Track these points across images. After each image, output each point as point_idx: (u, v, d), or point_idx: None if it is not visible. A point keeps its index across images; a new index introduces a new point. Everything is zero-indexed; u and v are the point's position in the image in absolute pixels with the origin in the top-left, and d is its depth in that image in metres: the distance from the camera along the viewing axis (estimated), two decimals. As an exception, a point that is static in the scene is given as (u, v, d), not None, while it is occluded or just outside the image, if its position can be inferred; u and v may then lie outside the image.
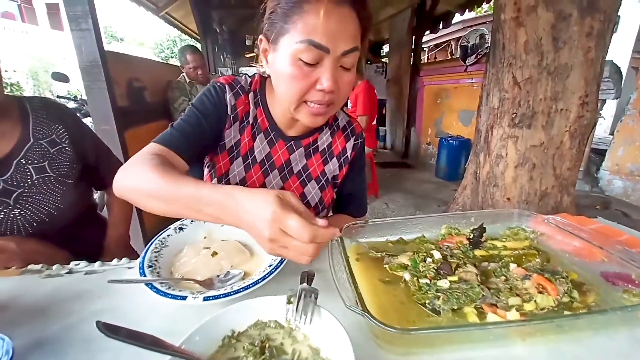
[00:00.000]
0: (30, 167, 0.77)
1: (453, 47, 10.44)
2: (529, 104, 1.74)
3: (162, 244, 0.59)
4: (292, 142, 0.78)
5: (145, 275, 0.50)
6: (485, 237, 0.62)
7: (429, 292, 0.47)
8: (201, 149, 0.72)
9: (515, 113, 1.76)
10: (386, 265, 0.54)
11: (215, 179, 0.77)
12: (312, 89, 0.60)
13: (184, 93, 2.80)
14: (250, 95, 0.75)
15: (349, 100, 3.32)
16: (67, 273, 0.64)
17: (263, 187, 0.76)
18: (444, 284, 0.47)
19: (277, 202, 0.41)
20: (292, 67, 0.58)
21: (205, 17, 4.65)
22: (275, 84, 0.66)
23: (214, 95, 0.72)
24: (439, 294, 0.45)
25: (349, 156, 0.84)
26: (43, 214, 0.78)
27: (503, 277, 0.51)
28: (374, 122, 3.27)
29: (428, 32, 4.97)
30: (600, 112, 3.41)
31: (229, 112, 0.72)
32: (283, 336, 0.39)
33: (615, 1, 1.60)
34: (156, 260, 0.55)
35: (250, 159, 0.77)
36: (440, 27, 4.82)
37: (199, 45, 4.97)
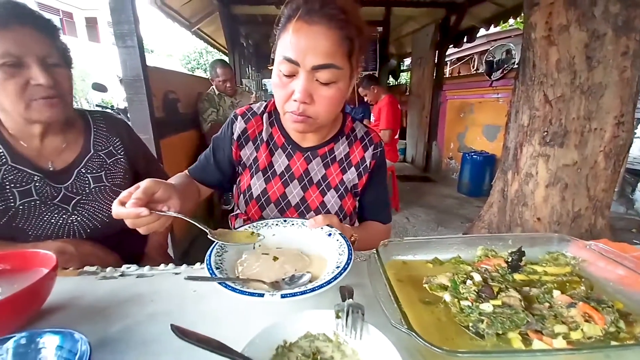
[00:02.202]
0: (89, 176, 0.84)
1: (476, 61, 10.33)
2: (561, 123, 1.71)
3: (222, 249, 0.62)
4: (308, 153, 0.84)
5: (215, 276, 0.53)
6: (524, 261, 0.62)
7: (471, 314, 0.47)
8: (213, 179, 0.90)
9: (547, 131, 1.72)
10: (426, 285, 0.55)
11: (241, 194, 0.86)
12: (290, 98, 0.68)
13: (212, 105, 2.92)
14: (265, 116, 0.86)
15: (372, 114, 3.35)
16: (120, 276, 0.69)
17: (284, 197, 0.84)
18: (487, 307, 0.47)
19: None
20: (276, 77, 0.69)
21: (234, 32, 4.86)
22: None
23: (225, 128, 0.87)
24: (483, 317, 0.46)
25: (368, 165, 0.87)
26: (97, 221, 0.84)
27: (547, 304, 0.51)
28: (397, 136, 3.27)
29: (451, 46, 4.97)
30: (636, 131, 3.27)
31: (236, 138, 0.84)
32: (332, 349, 0.41)
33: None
34: (221, 263, 0.58)
35: (269, 172, 0.84)
36: (465, 41, 4.81)
37: (226, 58, 5.20)
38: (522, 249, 0.63)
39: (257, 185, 0.84)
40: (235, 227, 0.88)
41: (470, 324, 0.46)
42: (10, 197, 0.76)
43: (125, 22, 1.63)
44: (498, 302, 0.48)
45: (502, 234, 0.99)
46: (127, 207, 0.53)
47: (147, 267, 0.71)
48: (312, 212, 0.84)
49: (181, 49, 20.44)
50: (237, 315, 0.55)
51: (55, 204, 0.80)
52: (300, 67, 0.64)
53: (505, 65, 3.54)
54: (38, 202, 0.78)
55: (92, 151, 0.86)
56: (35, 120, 0.75)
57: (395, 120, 3.04)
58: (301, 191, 0.84)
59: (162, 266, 0.72)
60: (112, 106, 4.38)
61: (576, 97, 1.67)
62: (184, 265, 0.72)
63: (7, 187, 0.75)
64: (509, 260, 0.61)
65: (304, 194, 0.84)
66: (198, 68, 19.80)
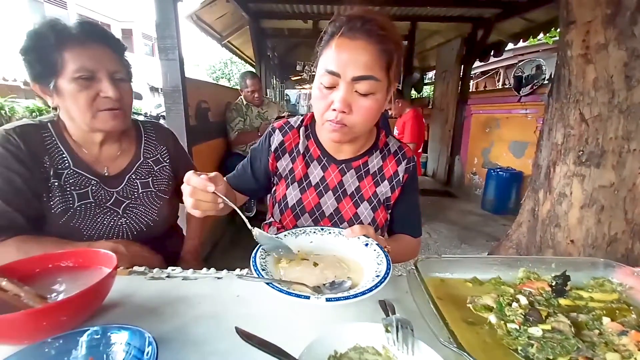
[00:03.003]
0: (138, 182, 0.90)
1: (502, 75, 10.14)
2: (597, 142, 1.65)
3: (265, 252, 0.65)
4: (343, 165, 0.87)
5: (262, 277, 0.55)
6: (569, 285, 0.61)
7: (519, 338, 0.47)
8: (248, 189, 0.93)
9: (582, 151, 1.67)
10: (469, 305, 0.55)
11: (276, 203, 0.89)
12: (329, 108, 0.71)
13: (240, 114, 3.02)
14: (301, 129, 0.89)
15: (395, 128, 3.35)
16: (166, 277, 0.72)
17: (318, 208, 0.87)
18: (535, 331, 0.47)
19: None
20: (317, 89, 0.73)
21: (261, 44, 5.03)
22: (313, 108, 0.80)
23: (263, 140, 0.92)
24: (532, 341, 0.46)
25: (401, 179, 0.89)
26: (142, 224, 0.89)
27: (596, 331, 0.50)
28: (420, 150, 3.25)
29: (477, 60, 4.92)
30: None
31: (273, 150, 0.88)
32: (382, 363, 0.42)
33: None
34: (265, 265, 0.60)
35: (305, 183, 0.87)
36: (491, 55, 4.76)
37: (252, 69, 5.39)
38: (567, 273, 0.62)
39: (292, 195, 0.87)
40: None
41: (520, 348, 0.45)
42: (70, 199, 0.82)
43: (168, 37, 1.75)
44: (548, 327, 0.48)
45: (545, 256, 0.97)
46: (199, 178, 0.61)
47: (190, 271, 0.75)
48: (346, 222, 0.86)
49: (207, 59, 21.28)
50: (277, 320, 0.58)
51: (107, 206, 0.86)
52: (341, 79, 0.68)
53: (535, 81, 3.46)
54: (93, 204, 0.84)
55: (142, 159, 0.92)
56: (99, 129, 0.81)
57: (419, 134, 3.03)
58: (335, 202, 0.87)
59: (204, 270, 0.76)
60: (146, 113, 4.61)
61: (614, 116, 1.61)
62: (225, 271, 0.75)
63: (68, 189, 0.82)
64: (553, 284, 0.61)
65: (338, 205, 0.87)
66: (222, 77, 20.52)
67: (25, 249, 0.74)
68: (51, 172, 0.80)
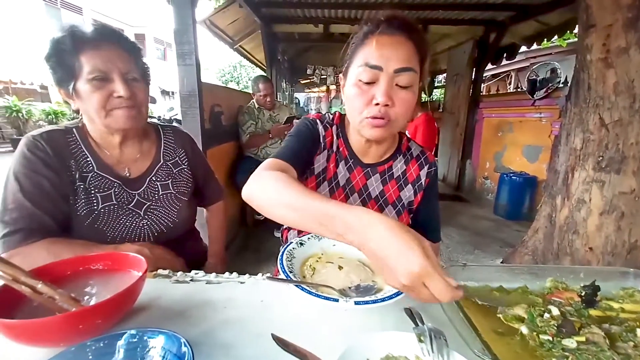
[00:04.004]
0: (158, 184, 0.92)
1: (513, 78, 10.01)
2: (618, 148, 1.62)
3: (291, 254, 0.65)
4: (368, 169, 0.88)
5: (290, 279, 0.55)
6: (599, 296, 0.60)
7: (553, 349, 0.46)
8: (307, 158, 0.84)
9: (602, 156, 1.64)
10: (500, 315, 0.54)
11: None
12: (370, 104, 0.72)
13: (252, 117, 3.05)
14: (334, 128, 0.88)
15: (407, 132, 3.34)
16: (190, 280, 0.73)
17: None
18: (569, 343, 0.46)
19: (424, 256, 0.40)
20: (354, 87, 0.73)
21: (272, 48, 5.08)
22: (346, 109, 0.79)
23: (310, 126, 0.86)
24: (566, 353, 0.45)
25: (423, 183, 0.89)
26: (163, 226, 0.91)
27: (631, 343, 0.49)
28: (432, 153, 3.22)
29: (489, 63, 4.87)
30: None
31: (321, 141, 0.86)
32: (415, 373, 0.42)
33: None
34: (292, 268, 0.61)
35: (334, 182, 0.87)
36: (504, 58, 4.70)
37: (262, 73, 5.44)
38: (597, 284, 0.61)
39: (322, 194, 0.85)
40: (288, 238, 0.91)
41: (554, 360, 0.45)
42: (94, 201, 0.84)
43: (186, 42, 1.78)
44: (582, 339, 0.47)
45: (575, 266, 0.95)
46: None
47: (213, 275, 0.76)
48: None
49: (216, 63, 21.55)
50: (302, 326, 0.58)
51: (130, 208, 0.88)
52: (383, 72, 0.70)
53: (550, 84, 3.41)
54: (116, 206, 0.86)
55: (162, 161, 0.94)
56: (113, 127, 0.84)
57: (431, 139, 3.01)
58: (361, 204, 0.87)
59: (226, 274, 0.77)
60: (159, 117, 4.69)
61: (635, 121, 1.57)
62: (247, 275, 0.76)
63: (92, 192, 0.84)
64: (583, 294, 0.60)
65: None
66: (231, 81, 20.74)
67: (54, 251, 0.76)
68: (77, 176, 0.82)
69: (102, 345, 0.43)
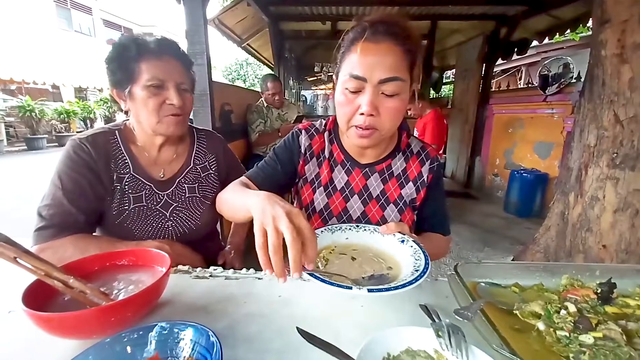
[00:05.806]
0: (186, 186, 0.95)
1: (524, 73, 9.85)
2: (632, 144, 1.59)
3: None
4: (367, 169, 0.88)
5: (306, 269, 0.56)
6: (615, 293, 0.60)
7: (570, 345, 0.47)
8: (277, 185, 0.88)
9: (616, 153, 1.62)
10: (517, 312, 0.55)
11: (303, 208, 0.90)
12: (356, 113, 0.72)
13: (261, 116, 3.07)
14: (326, 134, 0.90)
15: (415, 129, 3.32)
16: (210, 276, 0.76)
17: (345, 212, 0.87)
18: (587, 339, 0.47)
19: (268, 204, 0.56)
20: (341, 95, 0.74)
21: (280, 46, 5.09)
22: (337, 114, 0.80)
23: (291, 140, 0.90)
24: (583, 348, 0.46)
25: (425, 179, 0.89)
26: (186, 228, 0.94)
27: (649, 340, 0.49)
28: (441, 151, 3.21)
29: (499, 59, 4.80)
30: None
31: (303, 152, 0.88)
32: (434, 366, 0.43)
33: None
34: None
35: (330, 188, 0.88)
36: (514, 53, 4.63)
37: (270, 71, 5.46)
38: (613, 281, 0.61)
39: (319, 200, 0.88)
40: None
41: (571, 355, 0.46)
42: (126, 201, 0.88)
43: (197, 42, 1.81)
44: (599, 334, 0.48)
45: (590, 263, 0.95)
46: None
47: (231, 271, 0.78)
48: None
49: (223, 61, 21.65)
50: (320, 321, 0.59)
51: (157, 209, 0.91)
52: (367, 82, 0.69)
53: (562, 80, 3.35)
54: (145, 207, 0.90)
55: (192, 164, 0.97)
56: (161, 132, 0.88)
57: (440, 136, 3.00)
58: (362, 206, 0.88)
59: (243, 270, 0.79)
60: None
61: (651, 117, 1.55)
62: (264, 271, 0.78)
63: (127, 192, 0.88)
64: (599, 291, 0.60)
65: (365, 208, 0.88)
66: (238, 79, 20.82)
67: (81, 246, 0.79)
68: (114, 177, 0.87)
69: (135, 336, 0.46)
